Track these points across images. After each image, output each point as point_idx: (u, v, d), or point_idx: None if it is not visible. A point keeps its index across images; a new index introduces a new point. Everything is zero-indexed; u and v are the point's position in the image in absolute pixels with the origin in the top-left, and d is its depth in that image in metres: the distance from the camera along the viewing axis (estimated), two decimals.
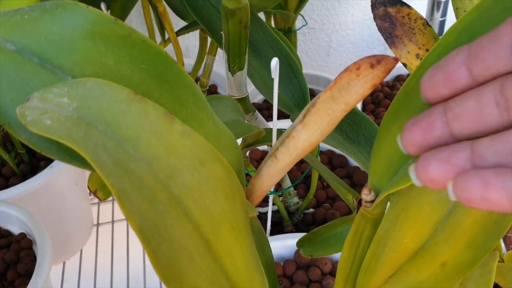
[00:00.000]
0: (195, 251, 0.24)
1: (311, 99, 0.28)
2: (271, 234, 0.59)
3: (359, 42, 0.94)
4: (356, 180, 0.69)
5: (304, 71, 0.83)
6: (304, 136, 0.23)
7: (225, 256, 0.26)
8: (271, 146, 0.49)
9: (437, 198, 0.31)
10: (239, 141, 0.50)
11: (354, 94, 0.22)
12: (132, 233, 0.78)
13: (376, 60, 0.22)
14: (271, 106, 0.87)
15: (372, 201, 0.29)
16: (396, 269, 0.32)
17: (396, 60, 0.22)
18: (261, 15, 0.67)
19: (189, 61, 0.78)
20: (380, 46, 0.92)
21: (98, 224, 0.82)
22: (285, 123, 0.71)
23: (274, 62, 0.38)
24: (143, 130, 0.23)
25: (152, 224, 0.22)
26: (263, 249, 0.35)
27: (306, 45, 0.94)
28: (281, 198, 0.65)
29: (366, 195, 0.28)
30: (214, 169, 0.25)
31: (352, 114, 0.45)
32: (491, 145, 0.20)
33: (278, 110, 0.45)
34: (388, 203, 0.34)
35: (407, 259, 0.32)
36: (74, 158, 0.22)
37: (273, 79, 0.40)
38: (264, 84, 0.48)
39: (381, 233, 0.31)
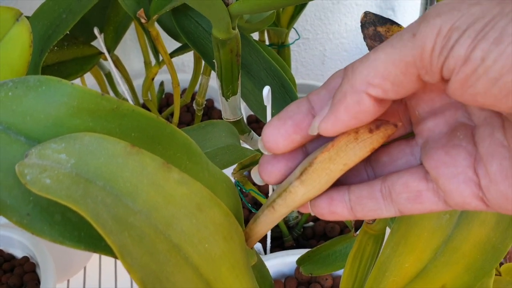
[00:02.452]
0: None
1: None
2: (271, 249, 0.59)
3: (353, 50, 0.95)
4: None
5: (300, 81, 0.83)
6: (301, 192, 0.23)
7: None
8: None
9: (436, 224, 0.32)
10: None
11: (353, 157, 0.22)
12: None
13: (375, 126, 0.21)
14: None
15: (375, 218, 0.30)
16: None
17: (395, 126, 0.22)
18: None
19: (185, 76, 0.78)
20: None
21: None
22: None
23: (266, 90, 0.39)
24: (141, 183, 0.23)
25: (154, 276, 0.23)
26: (264, 279, 0.35)
27: (301, 55, 0.94)
28: None
29: None
30: (212, 213, 0.26)
31: None
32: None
33: None
34: (388, 230, 0.35)
35: (408, 282, 0.32)
36: (66, 238, 0.22)
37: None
38: (259, 106, 0.49)
39: (383, 259, 0.32)
